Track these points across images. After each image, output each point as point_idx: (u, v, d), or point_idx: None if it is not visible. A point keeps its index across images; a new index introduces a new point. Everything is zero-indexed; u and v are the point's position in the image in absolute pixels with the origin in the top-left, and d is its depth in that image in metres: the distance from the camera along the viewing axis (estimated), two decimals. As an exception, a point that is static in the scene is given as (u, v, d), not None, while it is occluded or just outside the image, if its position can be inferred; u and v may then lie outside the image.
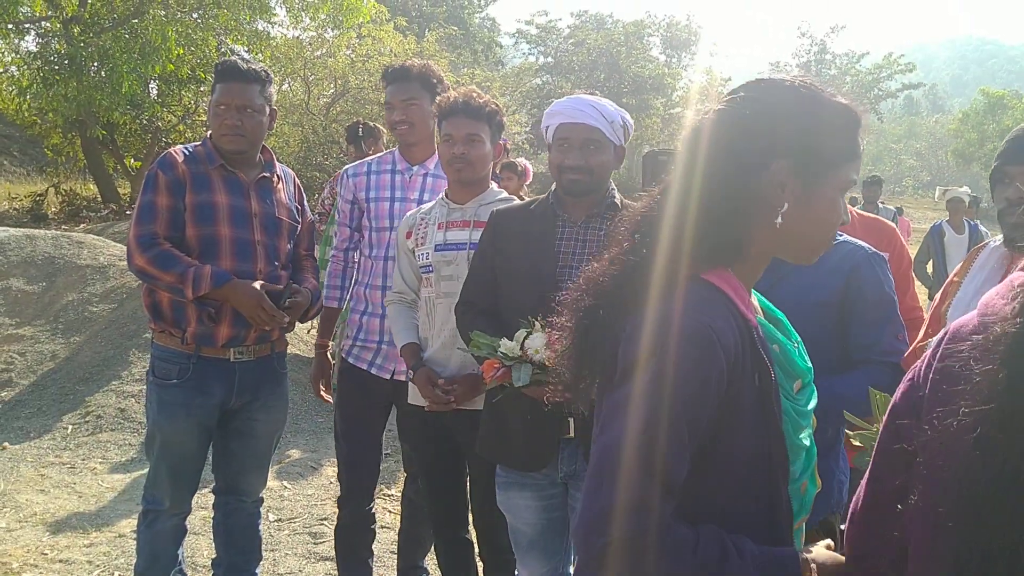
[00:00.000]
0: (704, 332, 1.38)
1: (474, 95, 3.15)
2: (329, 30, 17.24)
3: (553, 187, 2.89)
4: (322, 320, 3.78)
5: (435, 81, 3.53)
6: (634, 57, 33.36)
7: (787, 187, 1.46)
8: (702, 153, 1.49)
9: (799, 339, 1.67)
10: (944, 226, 9.34)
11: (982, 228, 9.48)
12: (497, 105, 3.23)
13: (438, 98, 3.24)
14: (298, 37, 17.70)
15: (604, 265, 1.56)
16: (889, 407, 1.39)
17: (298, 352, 7.58)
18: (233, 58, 3.36)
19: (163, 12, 13.96)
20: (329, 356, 3.75)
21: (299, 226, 3.49)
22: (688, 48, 38.19)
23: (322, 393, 3.74)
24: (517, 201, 3.23)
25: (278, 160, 3.48)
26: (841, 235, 2.48)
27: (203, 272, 3.08)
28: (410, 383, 3.21)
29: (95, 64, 13.69)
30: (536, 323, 2.58)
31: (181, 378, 3.20)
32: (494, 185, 3.29)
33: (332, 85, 17.60)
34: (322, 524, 4.76)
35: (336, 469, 3.81)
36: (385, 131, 6.70)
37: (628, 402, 1.37)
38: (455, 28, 28.96)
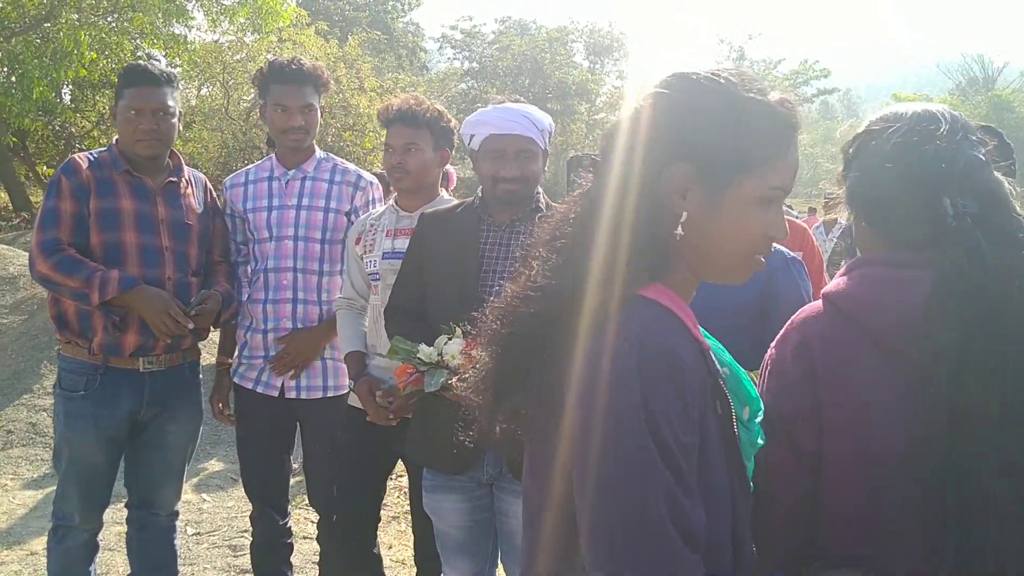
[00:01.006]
0: (669, 357, 1.21)
1: (412, 102, 3.14)
2: (249, 34, 16.99)
3: (480, 191, 2.91)
4: (221, 337, 3.65)
5: (325, 80, 3.45)
6: (558, 63, 33.55)
7: (688, 193, 1.30)
8: (616, 156, 1.33)
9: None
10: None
11: None
12: (439, 110, 3.21)
13: (380, 107, 3.23)
14: (217, 41, 17.41)
15: (522, 287, 1.35)
16: (766, 418, 1.44)
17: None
18: (142, 61, 3.29)
19: (76, 16, 13.61)
20: (229, 375, 3.58)
21: (210, 231, 3.41)
22: (611, 54, 38.59)
23: (219, 414, 3.57)
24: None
25: (197, 166, 3.43)
26: None
27: (110, 276, 3.01)
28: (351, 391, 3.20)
29: (5, 69, 13.27)
30: (457, 329, 2.61)
31: (88, 390, 3.13)
32: (444, 192, 3.29)
33: (252, 90, 17.33)
34: (242, 536, 4.70)
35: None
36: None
37: (609, 461, 1.17)
38: (379, 33, 28.78)
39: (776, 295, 2.43)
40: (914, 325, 1.35)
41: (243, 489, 3.65)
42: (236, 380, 3.48)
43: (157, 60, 17.36)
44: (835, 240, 9.70)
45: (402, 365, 2.66)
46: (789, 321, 1.57)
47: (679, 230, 1.30)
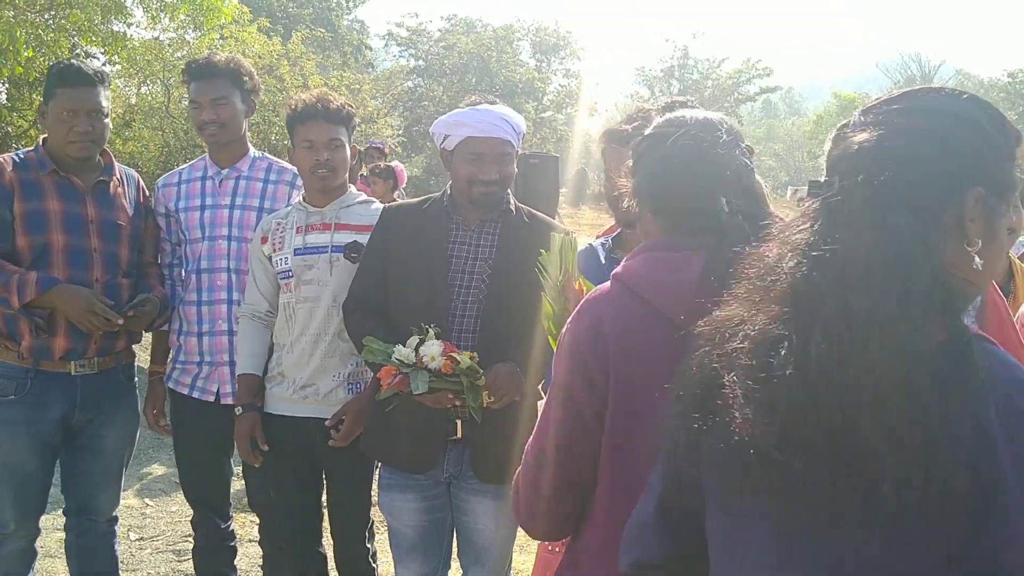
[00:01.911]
0: None
1: (330, 98, 3.11)
2: (190, 31, 16.73)
3: (448, 188, 2.90)
4: (154, 345, 3.59)
5: (245, 77, 3.40)
6: (504, 61, 33.61)
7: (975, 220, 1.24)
8: (880, 177, 1.24)
9: None
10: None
11: None
12: (352, 106, 3.21)
13: (291, 100, 3.18)
14: (157, 39, 17.12)
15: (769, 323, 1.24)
16: (559, 388, 1.67)
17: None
18: (72, 61, 3.22)
19: (11, 13, 13.27)
20: (163, 384, 3.53)
21: (142, 231, 3.34)
22: (557, 52, 38.74)
23: (155, 424, 3.52)
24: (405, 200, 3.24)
25: (137, 165, 3.37)
26: None
27: (27, 278, 2.95)
28: (267, 391, 3.18)
29: (-64, 66, 12.91)
30: (430, 330, 2.61)
31: (19, 394, 3.06)
32: (352, 188, 3.28)
33: (193, 88, 17.07)
34: (186, 541, 4.65)
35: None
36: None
37: None
38: (323, 30, 28.53)
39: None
40: (687, 298, 1.54)
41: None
42: (171, 385, 3.44)
43: (95, 58, 17.07)
44: None
45: (386, 367, 2.63)
46: (583, 300, 1.75)
47: (976, 260, 1.23)
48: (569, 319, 1.73)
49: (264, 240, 3.19)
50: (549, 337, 2.19)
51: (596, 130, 53.35)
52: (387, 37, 36.07)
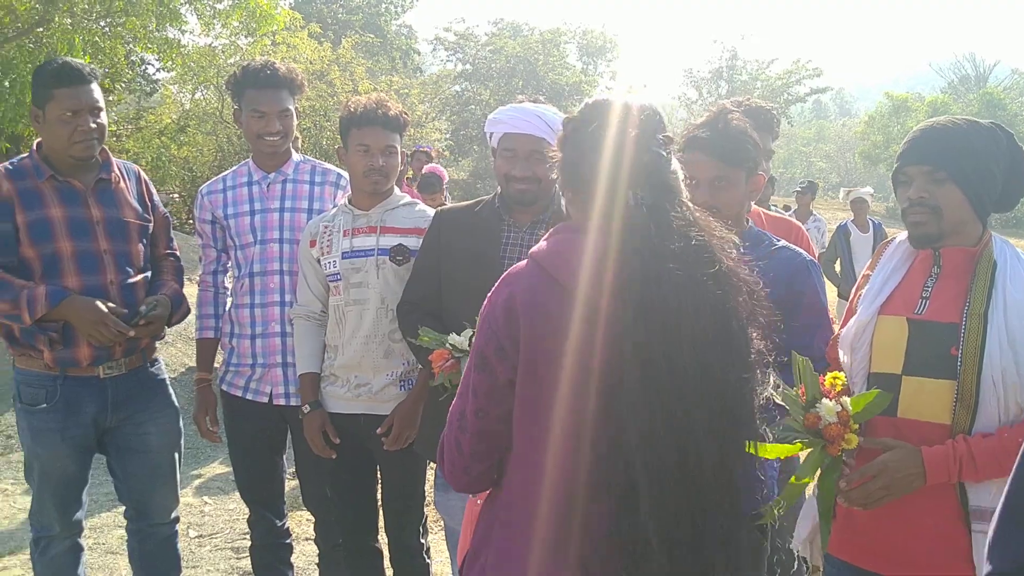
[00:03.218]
0: None
1: (388, 104, 3.12)
2: (243, 37, 16.96)
3: (499, 190, 2.91)
4: (199, 352, 3.58)
5: (300, 83, 3.40)
6: (551, 64, 33.58)
7: None
8: None
9: None
10: (849, 225, 9.66)
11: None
12: (407, 114, 3.22)
13: (349, 103, 3.18)
14: (211, 45, 17.38)
15: None
16: (477, 354, 1.83)
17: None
18: (64, 59, 3.11)
19: (69, 20, 13.56)
20: (212, 390, 3.54)
21: (151, 225, 3.27)
22: (604, 55, 38.62)
23: (208, 430, 3.52)
24: (459, 204, 3.24)
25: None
26: (779, 240, 2.57)
27: (36, 293, 2.90)
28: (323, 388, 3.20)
29: (-2, 74, 13.22)
30: None
31: (50, 402, 3.03)
32: (397, 190, 3.29)
33: (244, 94, 17.28)
34: (244, 539, 4.69)
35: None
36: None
37: None
38: (372, 35, 28.76)
39: (800, 295, 2.47)
40: (587, 276, 1.70)
41: (240, 493, 3.64)
42: (224, 388, 3.46)
43: (151, 64, 17.33)
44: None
45: (439, 350, 2.64)
46: (504, 274, 1.89)
47: None
48: (490, 292, 1.88)
49: (312, 243, 3.21)
50: None
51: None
52: (435, 42, 36.21)
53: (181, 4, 14.54)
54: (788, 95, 41.46)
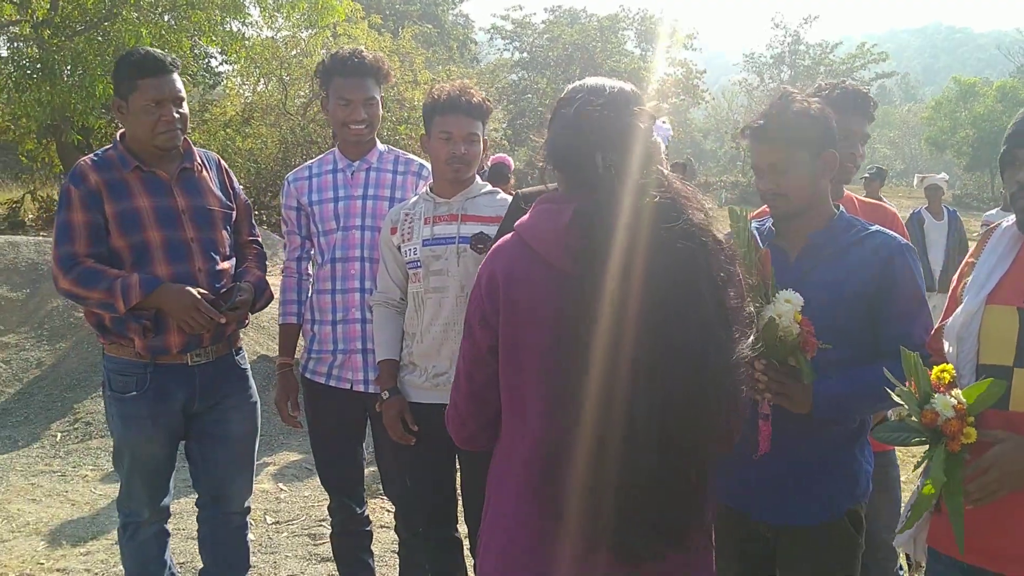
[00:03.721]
0: None
1: (472, 92, 3.09)
2: (304, 30, 17.10)
3: None
4: (281, 338, 3.58)
5: (386, 71, 3.37)
6: (609, 51, 33.37)
7: None
8: None
9: None
10: (923, 213, 9.42)
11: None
12: (490, 101, 3.18)
13: (433, 89, 3.14)
14: (272, 37, 17.56)
15: None
16: (466, 323, 1.98)
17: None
18: (146, 50, 3.11)
19: (135, 14, 13.80)
20: (294, 375, 3.54)
21: (233, 212, 3.30)
22: (662, 41, 38.26)
23: (288, 417, 3.52)
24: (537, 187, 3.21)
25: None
26: (872, 226, 2.48)
27: (130, 282, 2.93)
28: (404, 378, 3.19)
29: (68, 68, 13.52)
30: None
31: (140, 389, 3.06)
32: (477, 178, 3.26)
33: (308, 85, 17.47)
34: (320, 526, 4.74)
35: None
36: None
37: None
38: (430, 26, 28.87)
39: (894, 280, 2.36)
40: (559, 242, 1.81)
41: (319, 480, 3.64)
42: (307, 375, 3.45)
43: (213, 57, 17.58)
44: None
45: None
46: (492, 248, 2.01)
47: None
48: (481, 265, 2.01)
49: (393, 230, 3.19)
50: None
51: (703, 119, 52.37)
52: (491, 31, 36.21)
53: (245, -3, 14.71)
54: (852, 79, 40.61)
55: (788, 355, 2.27)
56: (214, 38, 15.48)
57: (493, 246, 2.00)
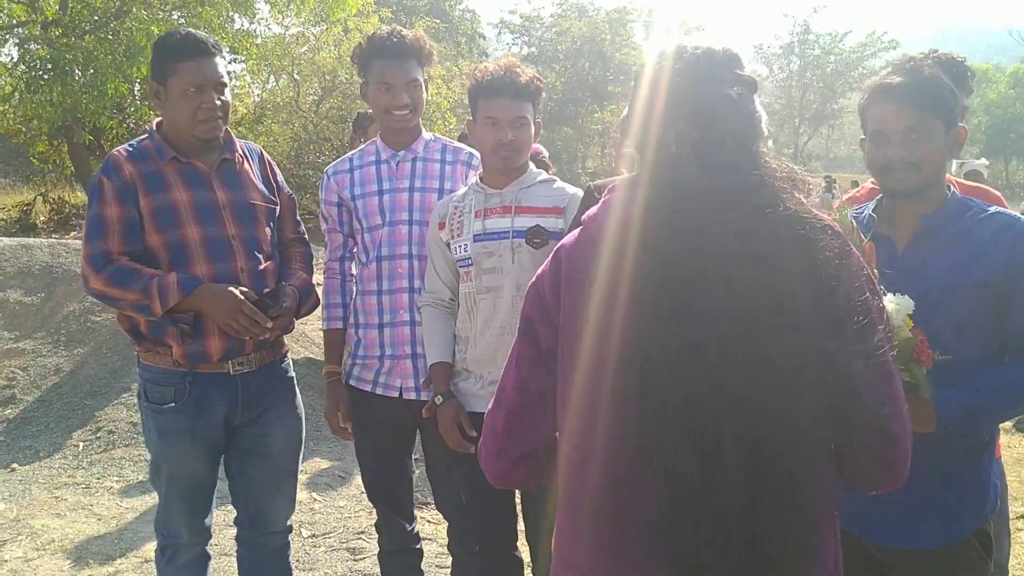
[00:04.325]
0: None
1: (518, 71, 2.83)
2: (313, 26, 16.94)
3: None
4: (327, 344, 3.31)
5: (428, 51, 3.11)
6: (618, 44, 33.15)
7: None
8: None
9: None
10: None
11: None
12: (540, 79, 2.93)
13: (476, 70, 2.91)
14: (282, 34, 17.39)
15: None
16: (523, 319, 1.74)
17: (311, 356, 7.32)
18: (188, 31, 2.84)
19: (146, 12, 13.65)
20: (342, 384, 3.26)
21: (277, 207, 3.04)
22: (671, 33, 38.00)
23: (339, 430, 3.26)
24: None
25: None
26: (989, 206, 2.23)
27: (167, 281, 2.68)
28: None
29: (79, 68, 13.36)
30: None
31: (179, 400, 2.81)
32: (532, 166, 3.03)
33: (320, 82, 17.30)
34: (359, 539, 4.51)
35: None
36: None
37: None
38: (437, 21, 28.63)
39: (1022, 266, 2.10)
40: (614, 231, 1.58)
41: (357, 490, 3.41)
42: (352, 383, 3.20)
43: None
44: None
45: None
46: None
47: None
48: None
49: (441, 225, 2.96)
50: None
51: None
52: (499, 25, 36.04)
53: (254, -7, 14.57)
54: (863, 68, 40.36)
55: (900, 367, 2.01)
56: (224, 36, 15.32)
57: (559, 243, 1.77)
